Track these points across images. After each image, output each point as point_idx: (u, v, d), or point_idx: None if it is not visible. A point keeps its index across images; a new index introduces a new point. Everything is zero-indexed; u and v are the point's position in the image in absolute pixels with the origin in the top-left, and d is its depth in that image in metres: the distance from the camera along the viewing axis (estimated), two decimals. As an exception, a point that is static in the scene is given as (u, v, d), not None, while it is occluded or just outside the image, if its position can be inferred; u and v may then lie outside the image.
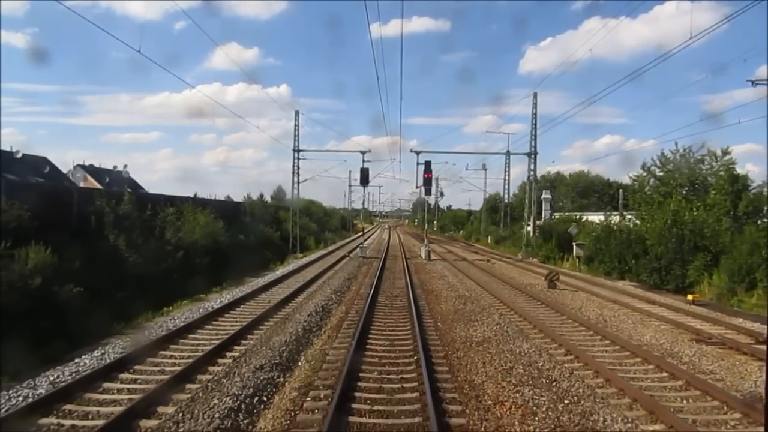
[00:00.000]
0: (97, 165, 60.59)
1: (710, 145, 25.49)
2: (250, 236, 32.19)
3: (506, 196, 54.39)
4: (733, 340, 11.23)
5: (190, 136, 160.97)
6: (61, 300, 12.73)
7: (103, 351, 9.41)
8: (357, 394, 7.36)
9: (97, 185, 54.10)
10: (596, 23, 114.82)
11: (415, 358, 9.11)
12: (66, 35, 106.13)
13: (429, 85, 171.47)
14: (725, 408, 7.17)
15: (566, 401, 7.10)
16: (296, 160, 38.20)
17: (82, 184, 52.03)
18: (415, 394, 7.37)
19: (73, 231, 16.94)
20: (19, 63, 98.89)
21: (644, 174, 28.95)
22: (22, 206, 14.61)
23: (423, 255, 32.64)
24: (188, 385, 7.58)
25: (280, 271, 24.00)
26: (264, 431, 6.26)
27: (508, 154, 47.75)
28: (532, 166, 37.42)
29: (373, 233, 79.65)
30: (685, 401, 7.48)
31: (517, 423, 6.39)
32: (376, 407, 6.91)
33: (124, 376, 8.07)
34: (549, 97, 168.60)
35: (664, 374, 8.67)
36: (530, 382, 7.89)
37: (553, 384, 7.85)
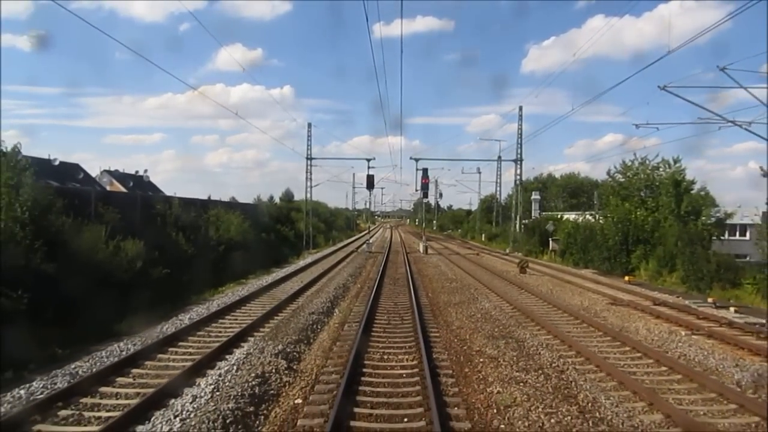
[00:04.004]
0: (121, 170, 65.43)
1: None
2: (270, 234, 37.08)
3: (498, 196, 59.01)
4: (637, 303, 15.93)
5: (192, 137, 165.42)
6: (153, 278, 17.49)
7: (207, 306, 14.17)
8: (374, 326, 12.07)
9: (123, 189, 58.97)
10: (600, 21, 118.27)
11: (411, 310, 13.81)
12: (70, 37, 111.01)
13: (432, 84, 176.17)
14: (597, 332, 11.86)
15: (500, 327, 11.85)
16: (309, 167, 42.80)
17: (108, 188, 56.84)
18: (410, 325, 12.08)
19: (140, 229, 21.69)
20: (23, 65, 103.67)
21: (609, 179, 33.67)
22: (113, 210, 19.36)
23: (421, 250, 37.36)
24: (271, 320, 12.33)
25: (302, 263, 28.76)
26: (320, 343, 10.91)
27: (499, 159, 52.56)
28: (518, 171, 42.26)
29: (377, 232, 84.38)
30: (575, 329, 12.21)
31: (468, 335, 11.12)
32: (387, 330, 11.65)
33: (217, 326, 12.78)
34: (551, 96, 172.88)
35: (571, 318, 13.41)
36: (482, 320, 12.63)
37: (496, 321, 12.59)
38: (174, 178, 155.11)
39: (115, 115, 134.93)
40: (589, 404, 7.04)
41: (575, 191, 76.92)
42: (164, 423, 6.16)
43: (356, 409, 6.83)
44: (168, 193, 54.65)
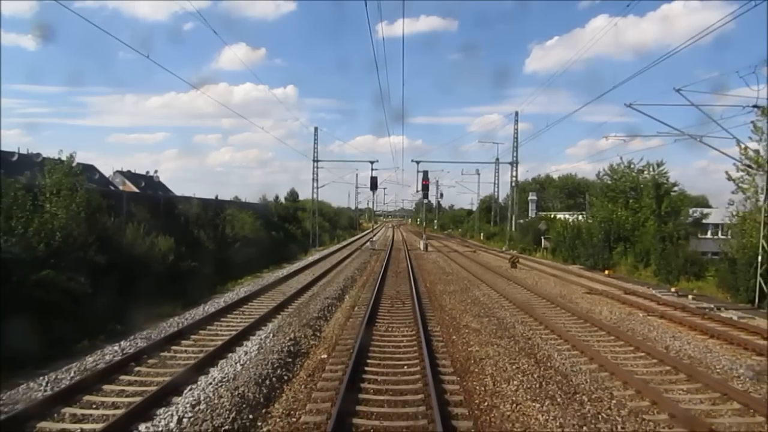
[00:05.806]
0: (133, 171, 67.86)
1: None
2: (280, 232, 39.43)
3: (497, 197, 61.33)
4: (609, 292, 18.15)
5: (195, 136, 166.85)
6: (182, 270, 19.75)
7: (236, 292, 16.46)
8: (380, 307, 14.33)
9: (135, 189, 61.33)
10: (603, 21, 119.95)
11: (411, 296, 16.06)
12: (73, 36, 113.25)
13: (435, 83, 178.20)
14: (567, 313, 14.11)
15: (486, 309, 14.11)
16: (315, 169, 45.11)
17: (121, 188, 59.19)
18: (410, 307, 14.33)
19: (165, 227, 23.95)
20: (26, 63, 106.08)
21: (598, 181, 35.87)
22: (142, 209, 21.65)
23: (422, 248, 39.59)
24: (292, 304, 14.60)
25: (310, 258, 31.05)
26: (336, 319, 13.14)
27: (497, 162, 54.85)
28: (514, 173, 44.57)
29: (379, 231, 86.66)
30: (549, 311, 14.45)
31: (458, 315, 13.38)
32: (390, 311, 13.91)
33: (248, 307, 15.04)
34: (554, 96, 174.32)
35: (549, 303, 15.65)
36: (471, 304, 14.89)
37: (483, 305, 14.85)
38: (176, 177, 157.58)
39: (118, 114, 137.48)
40: (545, 358, 9.30)
41: (572, 192, 79.19)
42: (228, 366, 8.43)
43: (368, 360, 9.08)
44: (171, 192, 56.97)
